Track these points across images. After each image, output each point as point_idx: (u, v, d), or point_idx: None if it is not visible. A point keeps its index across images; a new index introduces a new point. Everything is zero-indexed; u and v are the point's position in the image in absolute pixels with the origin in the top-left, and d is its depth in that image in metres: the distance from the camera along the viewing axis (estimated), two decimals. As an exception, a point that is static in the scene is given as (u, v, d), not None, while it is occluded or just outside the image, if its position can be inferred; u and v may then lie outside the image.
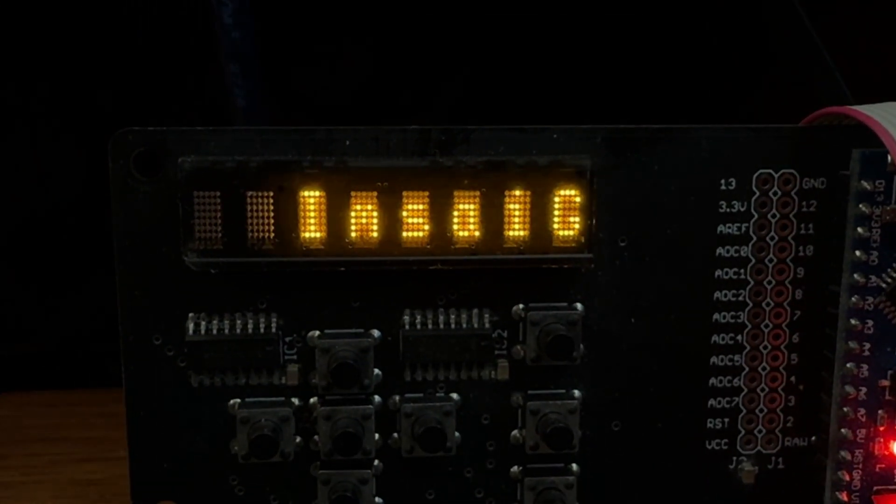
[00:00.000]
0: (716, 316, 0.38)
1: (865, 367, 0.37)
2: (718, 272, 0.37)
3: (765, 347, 0.38)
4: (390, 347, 0.37)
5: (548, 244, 0.36)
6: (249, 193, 0.35)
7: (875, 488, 0.38)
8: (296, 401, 0.37)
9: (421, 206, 0.35)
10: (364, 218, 0.35)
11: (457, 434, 0.37)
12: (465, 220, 0.36)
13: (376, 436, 0.37)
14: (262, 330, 0.36)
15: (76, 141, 0.54)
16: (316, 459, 0.37)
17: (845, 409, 0.37)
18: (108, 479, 0.44)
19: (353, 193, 0.35)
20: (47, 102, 0.56)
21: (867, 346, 0.37)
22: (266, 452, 0.36)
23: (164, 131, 0.35)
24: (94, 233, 0.46)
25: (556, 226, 0.36)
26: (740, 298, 0.38)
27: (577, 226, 0.36)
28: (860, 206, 0.36)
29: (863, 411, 0.37)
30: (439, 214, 0.36)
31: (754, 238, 0.37)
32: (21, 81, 0.55)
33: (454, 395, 0.37)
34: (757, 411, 0.39)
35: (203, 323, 0.36)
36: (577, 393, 0.38)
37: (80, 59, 0.55)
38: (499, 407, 0.38)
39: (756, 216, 0.37)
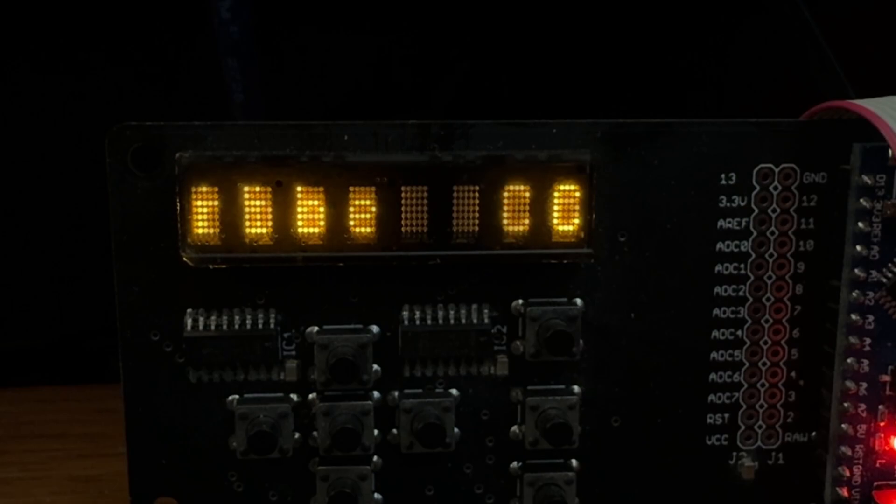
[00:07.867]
0: (716, 311, 0.38)
1: (866, 362, 0.37)
2: (718, 267, 0.37)
3: (765, 343, 0.38)
4: (389, 343, 0.37)
5: (547, 239, 0.36)
6: (247, 188, 0.35)
7: (875, 483, 0.38)
8: (294, 397, 0.37)
9: (420, 201, 0.35)
10: (362, 213, 0.35)
11: (456, 430, 0.37)
12: (465, 215, 0.36)
13: (375, 432, 0.37)
14: (260, 326, 0.36)
15: (74, 135, 0.54)
16: (315, 455, 0.37)
17: (846, 404, 0.37)
18: (106, 476, 0.44)
19: (351, 188, 0.35)
20: (45, 97, 0.55)
21: (867, 341, 0.37)
22: (265, 448, 0.36)
23: (161, 126, 0.35)
24: (91, 228, 0.45)
25: (555, 221, 0.36)
26: (740, 293, 0.37)
27: (576, 221, 0.36)
28: (861, 200, 0.36)
29: (863, 407, 0.37)
30: (438, 209, 0.35)
31: (754, 233, 0.37)
32: (19, 75, 0.55)
33: (453, 391, 0.37)
34: (757, 407, 0.38)
35: (201, 319, 0.36)
36: (576, 388, 0.37)
37: (77, 53, 0.55)
38: (498, 403, 0.38)
39: (756, 211, 0.37)
